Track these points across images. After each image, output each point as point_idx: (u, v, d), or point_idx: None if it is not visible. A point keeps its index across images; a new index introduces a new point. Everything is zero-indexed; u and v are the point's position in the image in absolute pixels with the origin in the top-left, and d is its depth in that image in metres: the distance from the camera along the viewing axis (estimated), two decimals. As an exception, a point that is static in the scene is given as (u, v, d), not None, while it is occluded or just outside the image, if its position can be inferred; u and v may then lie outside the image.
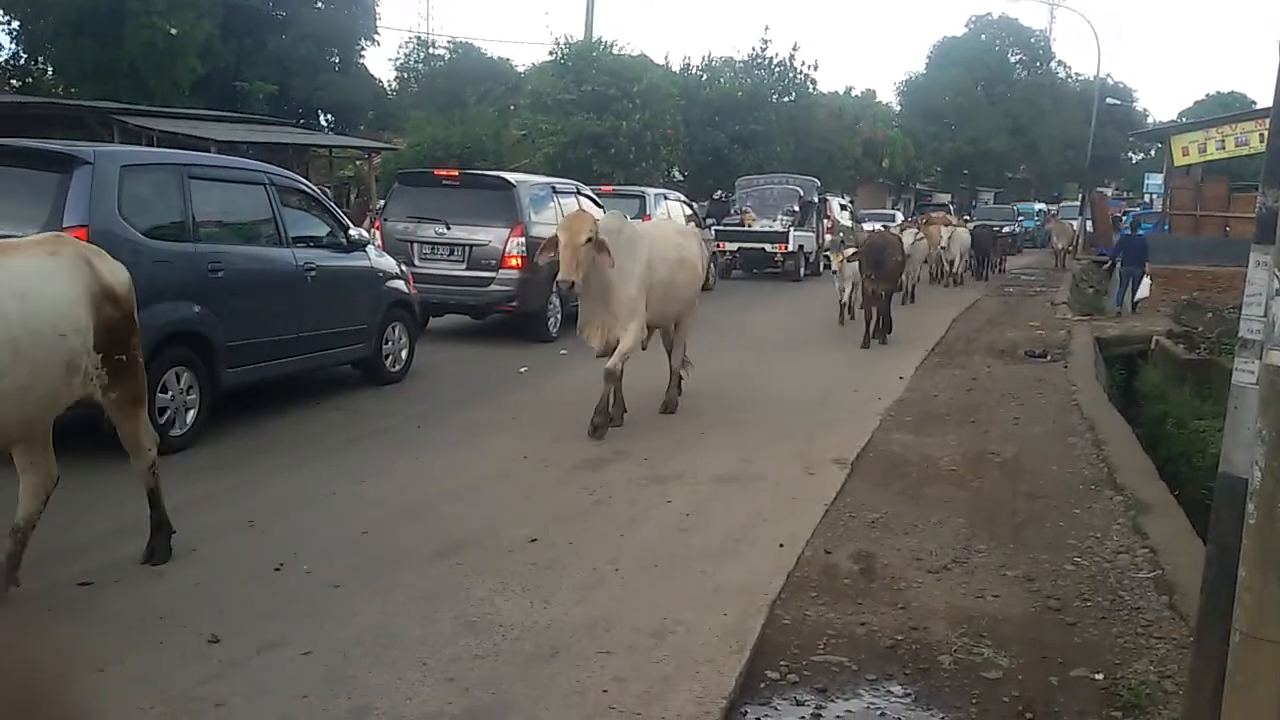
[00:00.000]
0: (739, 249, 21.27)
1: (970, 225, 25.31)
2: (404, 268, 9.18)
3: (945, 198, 50.21)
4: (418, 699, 3.36)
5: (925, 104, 51.98)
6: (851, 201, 33.80)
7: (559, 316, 11.30)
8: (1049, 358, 11.48)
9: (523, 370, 9.63)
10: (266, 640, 3.73)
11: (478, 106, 27.52)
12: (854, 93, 47.45)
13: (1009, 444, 7.26)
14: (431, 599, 4.17)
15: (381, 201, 16.47)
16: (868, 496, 5.90)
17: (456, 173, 12.33)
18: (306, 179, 10.17)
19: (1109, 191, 51.65)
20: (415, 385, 8.77)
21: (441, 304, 10.96)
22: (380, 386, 8.48)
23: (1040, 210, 42.36)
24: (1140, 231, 22.38)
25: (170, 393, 6.20)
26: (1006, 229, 30.02)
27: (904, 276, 15.22)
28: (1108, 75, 53.74)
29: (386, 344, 8.58)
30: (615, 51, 26.90)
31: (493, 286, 10.85)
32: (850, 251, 13.22)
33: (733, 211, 22.98)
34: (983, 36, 56.38)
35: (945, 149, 51.43)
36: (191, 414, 6.38)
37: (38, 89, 24.45)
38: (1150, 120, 57.66)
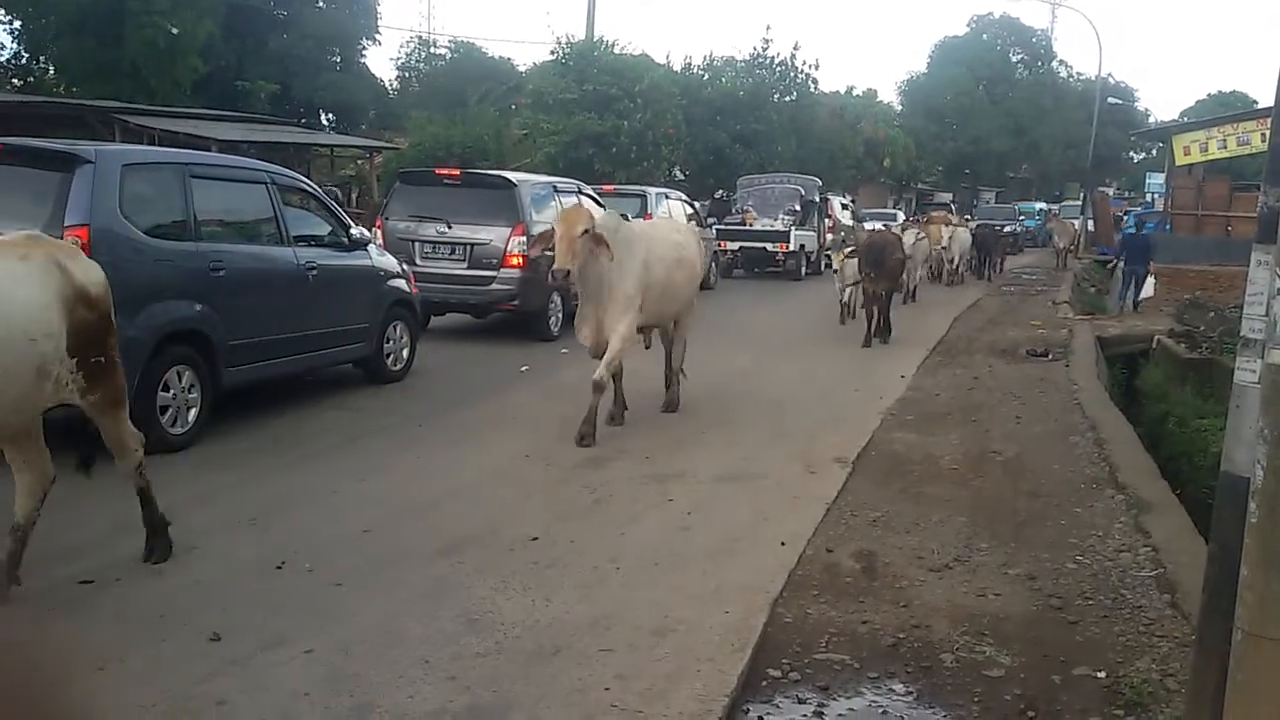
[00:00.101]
0: (740, 248, 21.27)
1: (972, 225, 25.30)
2: (405, 267, 9.18)
3: (947, 197, 50.23)
4: (419, 697, 3.36)
5: (927, 103, 51.98)
6: (853, 201, 33.80)
7: (560, 315, 11.30)
8: (1050, 357, 11.48)
9: (524, 369, 9.63)
10: (268, 638, 3.73)
11: (479, 106, 27.51)
12: (855, 92, 47.55)
13: (1010, 443, 7.26)
14: (433, 597, 4.17)
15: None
16: (869, 495, 5.90)
17: (458, 172, 12.34)
18: (308, 178, 10.16)
19: (1110, 191, 51.63)
20: (416, 384, 8.77)
21: (443, 303, 10.96)
22: (381, 385, 8.48)
23: (1042, 210, 42.28)
24: (1145, 230, 22.37)
25: (172, 391, 6.20)
26: (1008, 228, 29.97)
27: (905, 276, 15.22)
28: (1109, 75, 53.83)
29: (388, 343, 8.58)
30: (617, 51, 26.91)
31: (494, 285, 10.85)
32: (850, 250, 13.22)
33: (734, 211, 22.97)
34: (984, 36, 56.39)
35: (947, 148, 51.44)
36: (193, 412, 6.38)
37: (39, 88, 24.47)
38: (1152, 120, 57.65)
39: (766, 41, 33.20)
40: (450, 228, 10.97)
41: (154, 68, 22.71)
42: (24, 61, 25.68)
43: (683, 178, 30.34)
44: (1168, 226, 25.94)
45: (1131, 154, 62.05)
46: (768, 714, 3.46)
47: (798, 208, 22.09)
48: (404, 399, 8.17)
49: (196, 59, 23.74)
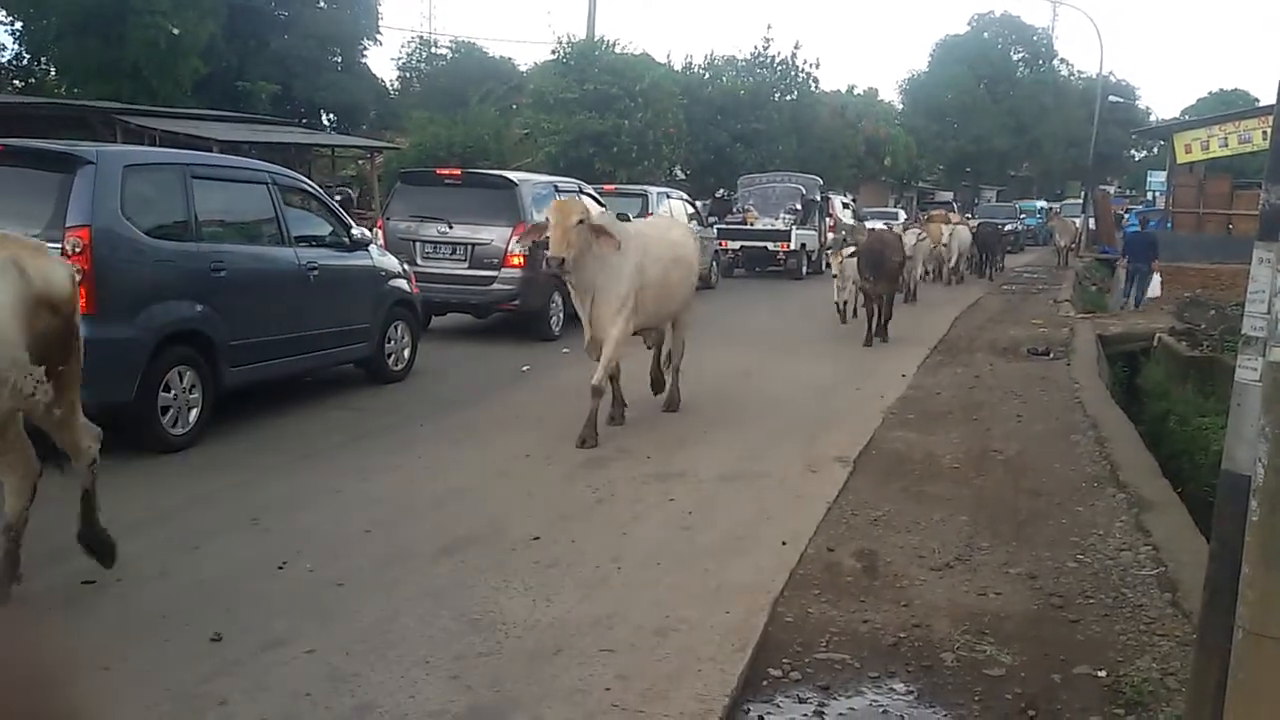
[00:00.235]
0: (741, 247, 21.27)
1: (973, 223, 25.29)
2: (406, 267, 9.18)
3: (948, 196, 50.21)
4: (421, 697, 3.36)
5: (928, 102, 52.00)
6: (854, 200, 33.80)
7: (561, 315, 11.30)
8: (1052, 355, 11.48)
9: (525, 369, 9.63)
10: (270, 638, 3.73)
11: (480, 106, 27.50)
12: (856, 91, 47.53)
13: (1012, 441, 7.26)
14: (434, 597, 4.17)
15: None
16: (870, 494, 5.90)
17: (459, 172, 12.34)
18: (309, 179, 10.17)
19: (1112, 189, 51.61)
20: (417, 384, 8.77)
21: (444, 303, 10.97)
22: (383, 385, 8.48)
23: (1043, 208, 42.28)
24: (1149, 228, 22.38)
25: (173, 392, 6.21)
26: (1009, 227, 29.97)
27: (906, 275, 15.21)
28: (1110, 73, 53.92)
29: (389, 343, 8.59)
30: (617, 50, 26.90)
31: (495, 285, 10.85)
32: (850, 251, 13.23)
33: (735, 210, 22.98)
34: (985, 34, 56.40)
35: (948, 147, 51.44)
36: (194, 413, 6.39)
37: (40, 89, 24.48)
38: (1153, 118, 57.69)
39: (767, 41, 33.29)
40: (451, 228, 10.97)
41: (155, 68, 22.72)
42: (25, 62, 25.69)
43: (684, 177, 30.35)
44: (1169, 224, 25.93)
45: (1133, 152, 62.07)
46: (769, 713, 3.46)
47: (799, 207, 22.09)
48: (405, 399, 8.18)
49: (198, 60, 23.75)
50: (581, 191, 12.48)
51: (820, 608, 4.27)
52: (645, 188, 18.19)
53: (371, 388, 8.40)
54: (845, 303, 13.69)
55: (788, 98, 32.61)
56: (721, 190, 29.49)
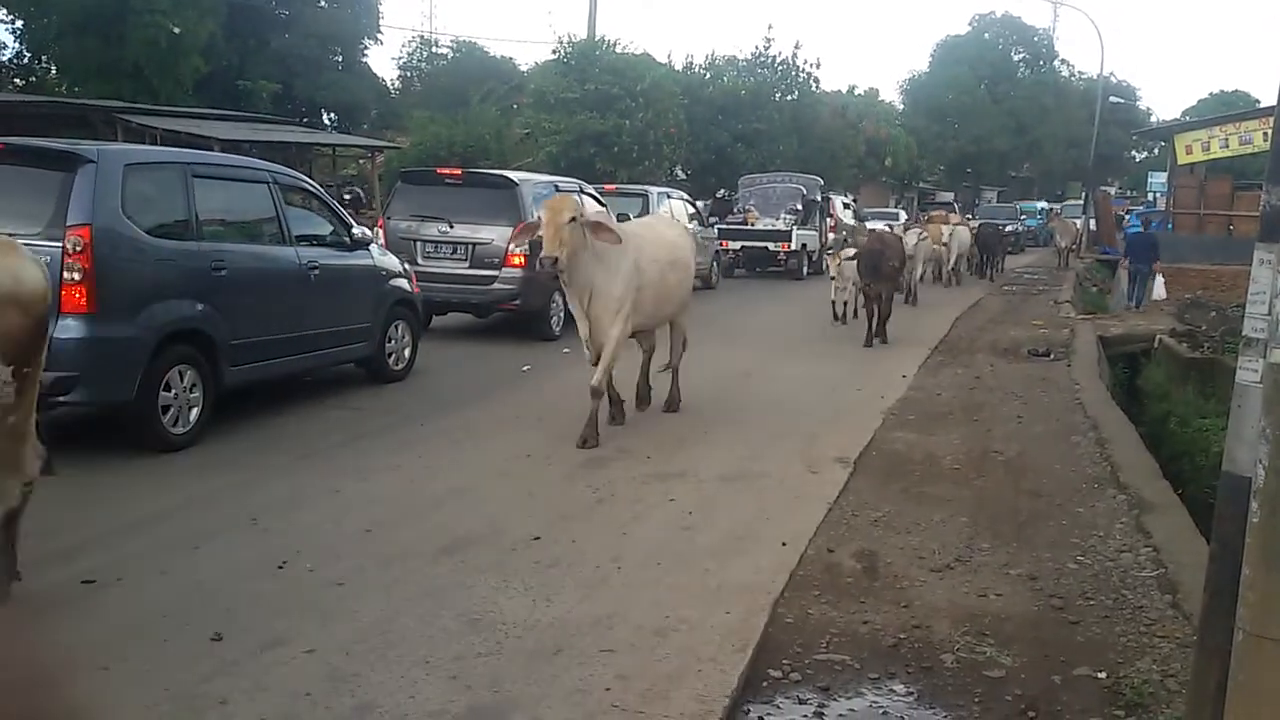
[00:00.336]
0: (742, 248, 21.26)
1: (974, 224, 25.28)
2: (407, 266, 9.18)
3: (948, 196, 50.22)
4: (420, 697, 3.36)
5: (928, 102, 51.99)
6: (855, 200, 33.78)
7: (561, 315, 11.29)
8: (1052, 356, 11.47)
9: (525, 369, 9.63)
10: (269, 638, 3.73)
11: (481, 105, 27.51)
12: (857, 91, 47.54)
13: (1012, 443, 7.26)
14: (434, 597, 4.17)
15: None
16: (871, 495, 5.90)
17: (459, 171, 12.34)
18: (310, 178, 10.17)
19: (1112, 190, 51.63)
20: (418, 384, 8.77)
21: (444, 302, 10.97)
22: (383, 385, 8.48)
23: (1043, 209, 42.28)
24: (1152, 229, 22.38)
25: (173, 391, 6.20)
26: (1009, 228, 29.96)
27: (907, 276, 15.20)
28: (1111, 74, 53.89)
29: (389, 342, 8.59)
30: (618, 50, 26.91)
31: (495, 285, 10.85)
32: (850, 252, 13.23)
33: (736, 210, 22.97)
34: (986, 35, 56.41)
35: (948, 147, 51.44)
36: (195, 412, 6.38)
37: (41, 88, 24.48)
38: (1154, 119, 57.68)
39: (768, 41, 33.29)
40: (452, 227, 10.97)
41: (156, 67, 22.73)
42: (26, 61, 25.71)
43: (684, 177, 30.36)
44: (1169, 225, 25.91)
45: (1133, 153, 62.06)
46: (768, 714, 3.46)
47: (799, 207, 22.08)
48: (406, 398, 8.17)
49: (198, 58, 23.76)
50: (582, 191, 12.47)
51: (820, 608, 4.27)
52: (646, 188, 18.18)
53: (372, 387, 8.40)
54: (845, 303, 13.69)
55: (788, 98, 32.61)
56: (722, 190, 29.49)
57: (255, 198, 7.28)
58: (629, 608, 4.13)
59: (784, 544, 4.96)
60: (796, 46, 34.36)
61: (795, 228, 21.42)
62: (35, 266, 3.72)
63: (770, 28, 61.75)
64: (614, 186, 18.17)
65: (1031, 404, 8.72)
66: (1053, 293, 20.13)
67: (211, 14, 24.02)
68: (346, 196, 24.54)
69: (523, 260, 10.62)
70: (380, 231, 10.68)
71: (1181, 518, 5.56)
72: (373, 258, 8.43)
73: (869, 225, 21.43)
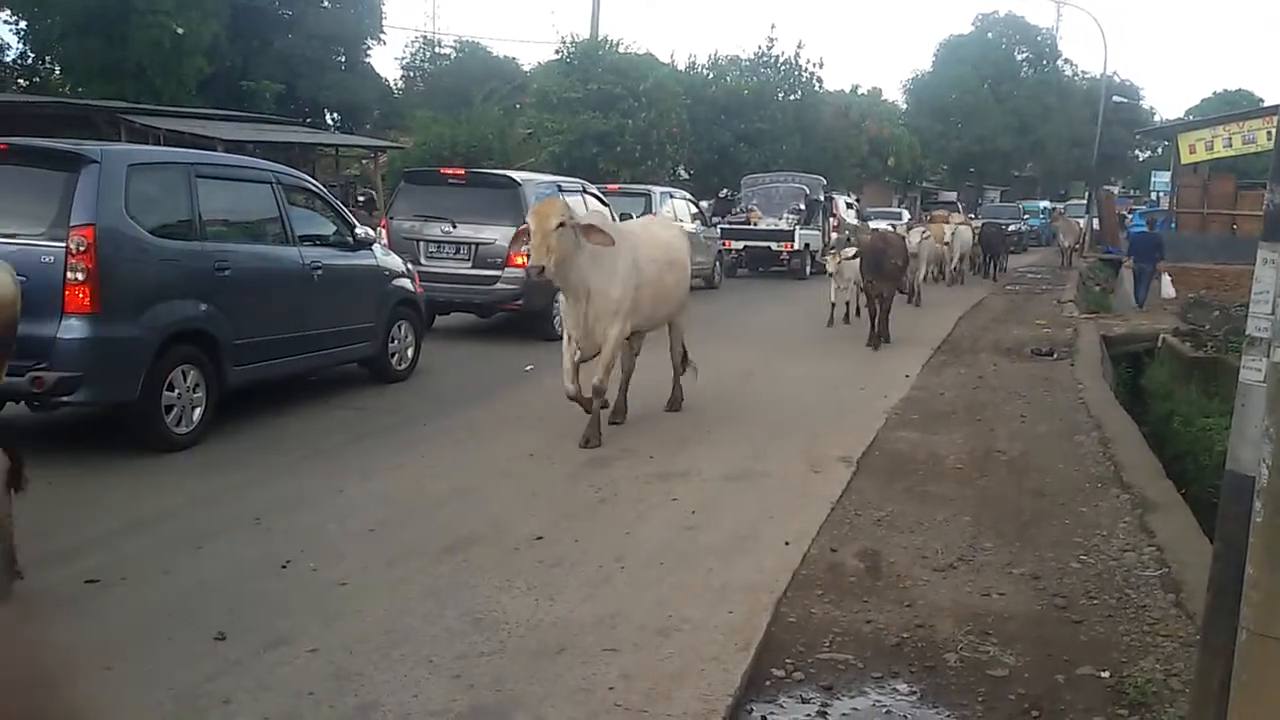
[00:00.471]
0: (744, 247, 21.26)
1: (977, 223, 25.25)
2: (410, 266, 9.19)
3: (952, 196, 50.12)
4: (424, 696, 3.37)
5: (932, 102, 51.90)
6: (858, 200, 33.76)
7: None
8: (1055, 356, 11.46)
9: (528, 369, 9.63)
10: (273, 637, 3.74)
11: (484, 105, 27.55)
12: (860, 91, 47.37)
13: (1015, 442, 7.25)
14: (438, 596, 4.18)
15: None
16: (874, 494, 5.90)
17: (462, 171, 12.36)
18: (313, 178, 10.18)
19: (1116, 190, 51.55)
20: (421, 383, 8.78)
21: (447, 302, 10.97)
22: (386, 385, 8.49)
23: (1046, 208, 42.22)
24: (1157, 228, 22.36)
25: (177, 391, 6.21)
26: (1012, 227, 29.93)
27: (910, 275, 15.18)
28: (1114, 73, 53.84)
29: (392, 342, 8.59)
30: (621, 50, 26.92)
31: (498, 285, 10.85)
32: (851, 252, 13.23)
33: (738, 210, 22.97)
34: (989, 35, 56.33)
35: (951, 147, 51.37)
36: (198, 412, 6.39)
37: (45, 88, 24.53)
38: (1157, 118, 57.53)
39: (771, 40, 33.21)
40: (455, 227, 10.98)
41: (159, 68, 22.77)
42: (30, 61, 25.77)
43: (687, 177, 30.36)
44: (1173, 225, 25.88)
45: (1137, 152, 61.94)
46: (772, 713, 3.46)
47: (802, 207, 22.08)
48: (408, 398, 8.18)
49: (202, 59, 23.79)
50: (585, 191, 12.48)
51: (823, 608, 4.27)
52: (649, 187, 18.19)
53: (375, 387, 8.41)
54: (846, 303, 13.68)
55: (791, 97, 32.59)
56: (725, 190, 29.48)
57: (258, 198, 7.29)
58: (632, 607, 4.13)
59: (787, 543, 4.96)
60: (799, 46, 34.29)
61: (798, 227, 21.42)
62: (3, 273, 3.73)
63: (773, 27, 61.68)
64: (617, 186, 18.19)
65: (1035, 403, 8.71)
66: (1056, 292, 20.10)
67: (215, 14, 24.06)
68: (361, 199, 24.58)
69: (525, 261, 10.61)
70: (383, 231, 10.69)
71: (1185, 517, 5.55)
72: (376, 258, 8.44)
73: (872, 225, 21.39)
